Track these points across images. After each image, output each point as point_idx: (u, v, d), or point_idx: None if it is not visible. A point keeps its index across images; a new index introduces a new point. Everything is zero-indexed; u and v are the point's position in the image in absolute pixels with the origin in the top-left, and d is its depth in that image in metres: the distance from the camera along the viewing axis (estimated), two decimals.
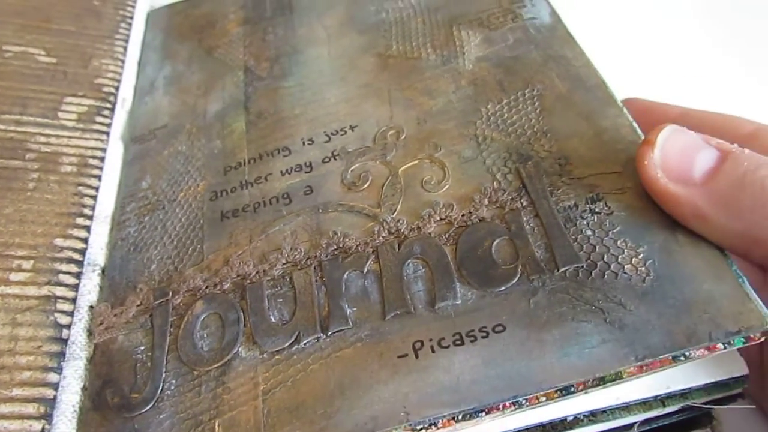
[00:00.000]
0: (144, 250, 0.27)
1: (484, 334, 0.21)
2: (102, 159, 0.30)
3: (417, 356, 0.21)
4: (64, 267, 0.26)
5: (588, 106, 0.26)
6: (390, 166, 0.26)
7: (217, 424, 0.21)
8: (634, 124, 0.25)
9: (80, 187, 0.29)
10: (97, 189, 0.29)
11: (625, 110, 0.25)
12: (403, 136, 0.27)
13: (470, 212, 0.24)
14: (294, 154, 0.28)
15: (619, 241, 0.22)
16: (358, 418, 0.20)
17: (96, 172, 0.29)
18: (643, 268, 0.21)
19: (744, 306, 0.19)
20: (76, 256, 0.26)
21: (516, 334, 0.21)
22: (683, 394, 0.21)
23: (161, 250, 0.27)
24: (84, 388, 0.23)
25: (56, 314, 0.24)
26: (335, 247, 0.24)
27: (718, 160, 0.21)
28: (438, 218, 0.24)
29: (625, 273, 0.21)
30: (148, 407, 0.22)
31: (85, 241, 0.27)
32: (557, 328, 0.20)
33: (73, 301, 0.25)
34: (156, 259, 0.26)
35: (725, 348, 0.19)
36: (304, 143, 0.29)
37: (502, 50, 0.30)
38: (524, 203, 0.24)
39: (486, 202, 0.24)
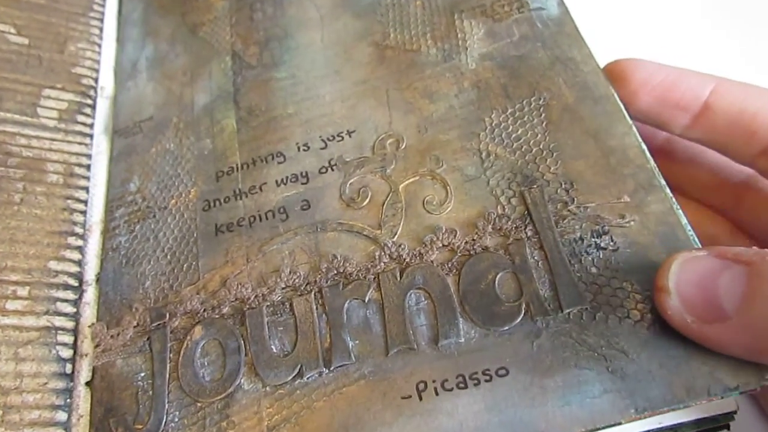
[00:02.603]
0: (137, 263, 0.26)
1: (488, 378, 0.21)
2: (88, 167, 0.29)
3: (421, 398, 0.21)
4: (60, 294, 0.25)
5: (595, 122, 0.25)
6: (390, 181, 0.26)
7: None
8: (643, 146, 0.24)
9: (68, 201, 0.27)
10: (86, 202, 0.28)
11: (633, 128, 0.25)
12: (403, 146, 0.26)
13: (473, 240, 0.23)
14: (289, 161, 0.27)
15: (624, 283, 0.22)
16: None
17: (83, 183, 0.28)
18: (648, 315, 0.21)
19: (742, 360, 0.20)
20: (72, 282, 0.26)
21: (519, 378, 0.21)
22: (674, 428, 0.22)
23: (155, 265, 0.26)
24: (81, 417, 0.24)
25: (58, 347, 0.24)
26: (335, 272, 0.24)
27: (745, 278, 0.19)
28: (440, 244, 0.24)
29: (628, 318, 0.21)
30: None
31: (79, 263, 0.26)
32: (560, 375, 0.21)
33: (73, 331, 0.25)
34: (150, 274, 0.26)
35: (722, 398, 0.20)
36: (299, 149, 0.28)
37: (507, 47, 0.28)
38: (529, 233, 0.23)
39: (490, 229, 0.24)
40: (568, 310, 0.21)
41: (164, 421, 0.23)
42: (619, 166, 0.24)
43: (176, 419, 0.23)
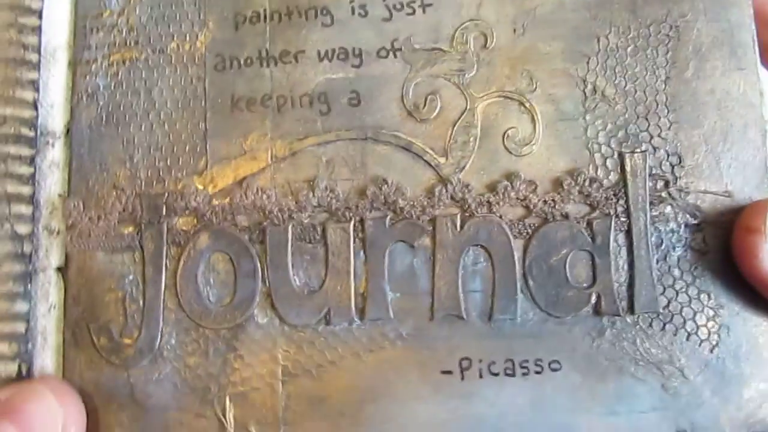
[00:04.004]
0: (123, 124, 0.20)
1: (538, 369, 0.19)
2: None
3: (462, 377, 0.19)
4: (12, 149, 0.19)
5: (727, 81, 0.20)
6: (467, 95, 0.20)
7: (228, 398, 0.19)
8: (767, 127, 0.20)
9: (15, 12, 0.19)
10: (39, 14, 0.20)
11: (764, 99, 0.20)
12: (490, 45, 0.20)
13: (554, 201, 0.20)
14: (338, 25, 0.21)
15: (702, 295, 0.19)
16: None
17: None
18: (715, 336, 0.19)
19: None
20: (26, 131, 0.19)
21: (570, 377, 0.19)
22: None
23: (147, 133, 0.20)
24: (53, 306, 0.20)
25: (12, 220, 0.19)
26: (383, 201, 0.20)
27: None
28: (514, 197, 0.20)
29: (696, 335, 0.19)
30: (145, 361, 0.19)
31: (35, 105, 0.19)
32: (613, 382, 0.19)
33: (31, 199, 0.19)
34: (140, 144, 0.20)
35: None
36: (353, 11, 0.21)
37: None
38: (619, 210, 0.20)
39: (576, 192, 0.20)
40: (639, 313, 0.19)
41: (158, 341, 0.19)
42: (738, 147, 0.20)
43: (173, 341, 0.19)
